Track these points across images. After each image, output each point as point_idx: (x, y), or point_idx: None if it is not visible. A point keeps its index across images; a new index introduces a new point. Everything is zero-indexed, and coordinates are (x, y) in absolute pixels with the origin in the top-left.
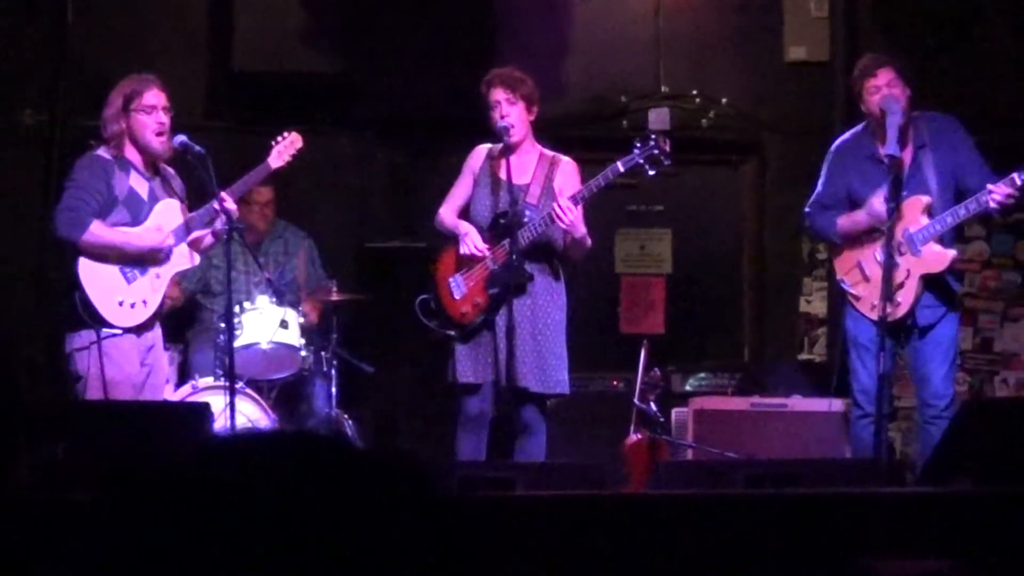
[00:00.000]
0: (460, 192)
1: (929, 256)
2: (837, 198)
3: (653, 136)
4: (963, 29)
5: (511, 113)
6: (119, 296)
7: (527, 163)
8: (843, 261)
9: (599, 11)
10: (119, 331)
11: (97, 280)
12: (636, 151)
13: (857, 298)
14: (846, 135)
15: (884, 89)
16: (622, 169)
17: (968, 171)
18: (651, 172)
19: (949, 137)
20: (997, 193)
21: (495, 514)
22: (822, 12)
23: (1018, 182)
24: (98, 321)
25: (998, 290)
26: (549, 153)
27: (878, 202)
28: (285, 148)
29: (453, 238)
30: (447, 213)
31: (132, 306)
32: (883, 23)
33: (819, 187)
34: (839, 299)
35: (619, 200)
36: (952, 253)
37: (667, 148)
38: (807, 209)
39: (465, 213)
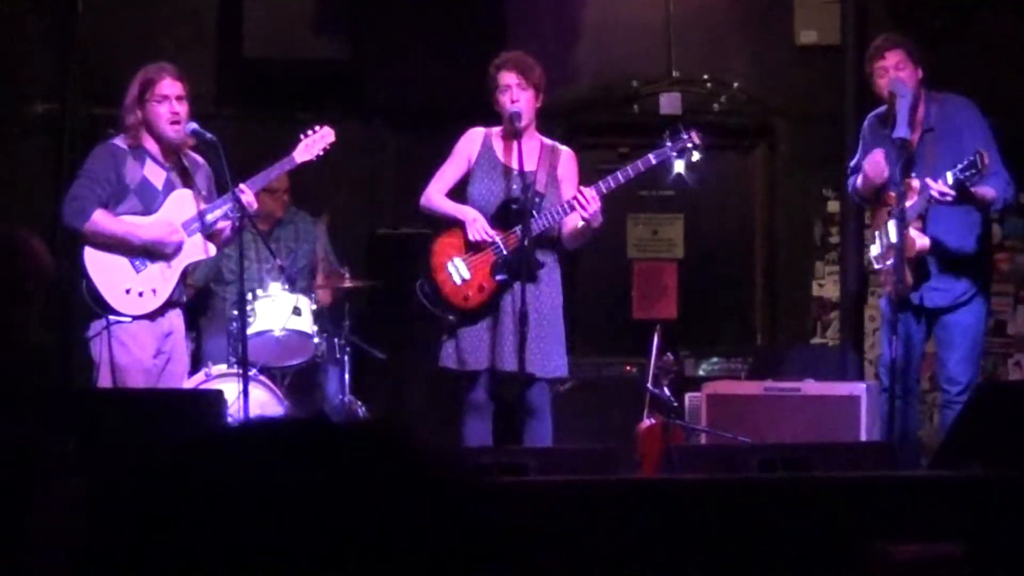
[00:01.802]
0: (451, 174)
1: (907, 239)
2: None
3: (685, 129)
4: (971, 13)
5: (521, 98)
6: (126, 284)
7: (532, 151)
8: (872, 229)
9: None
10: (127, 319)
11: (103, 268)
12: (668, 144)
13: (879, 270)
14: (876, 111)
15: (892, 71)
16: (654, 162)
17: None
18: (682, 163)
19: (958, 122)
20: (934, 189)
21: (508, 499)
22: None
23: (949, 180)
24: (105, 309)
25: (1011, 273)
26: (549, 142)
27: (869, 164)
28: (315, 142)
29: (450, 222)
30: (439, 195)
31: (140, 294)
32: (893, 7)
33: (858, 152)
34: (852, 283)
35: (630, 185)
36: (923, 242)
37: (698, 140)
38: (848, 167)
39: (456, 196)
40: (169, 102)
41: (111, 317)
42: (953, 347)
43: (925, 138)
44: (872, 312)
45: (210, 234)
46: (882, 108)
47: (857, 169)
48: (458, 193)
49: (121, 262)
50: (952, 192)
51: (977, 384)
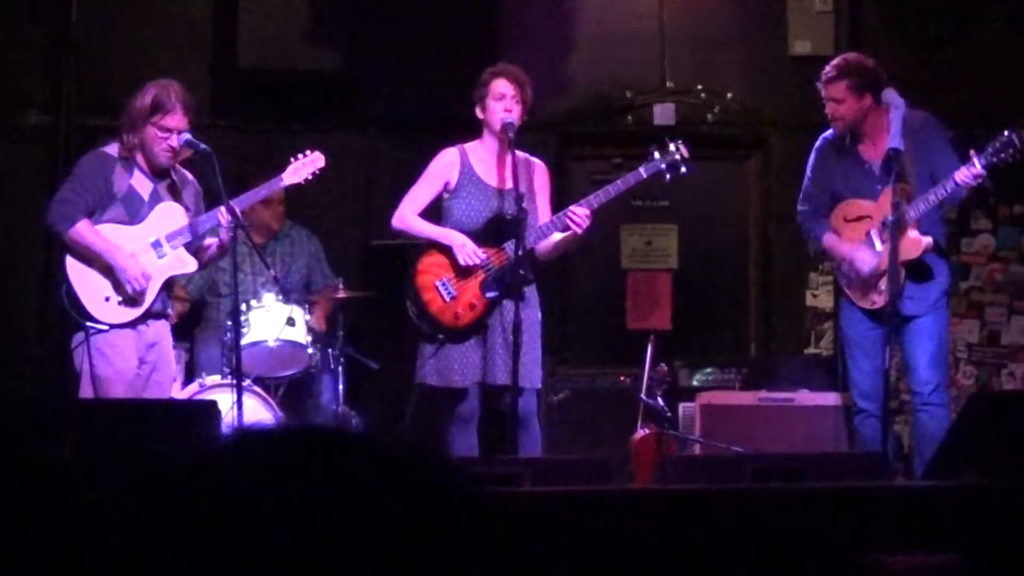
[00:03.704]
0: (425, 196)
1: (906, 242)
2: (822, 195)
3: (674, 142)
4: (966, 22)
5: (515, 110)
6: (105, 292)
7: (510, 165)
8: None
9: (603, 7)
10: (105, 327)
11: (83, 275)
12: (657, 158)
13: (849, 286)
14: (830, 132)
15: (829, 104)
16: (645, 176)
17: (943, 168)
18: (668, 177)
19: (926, 136)
20: (965, 175)
21: (502, 510)
22: (826, 6)
23: (977, 165)
24: (84, 316)
25: (1004, 283)
26: (522, 155)
27: (861, 260)
28: (304, 166)
29: (429, 242)
30: (416, 218)
31: (120, 303)
32: (886, 17)
33: (806, 182)
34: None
35: (624, 195)
36: (927, 240)
37: (687, 154)
38: (799, 208)
39: (430, 216)
40: (171, 136)
41: (90, 326)
42: (921, 347)
43: (891, 152)
44: None
45: (196, 249)
46: (831, 131)
47: (814, 207)
48: (431, 213)
49: (98, 270)
50: (983, 173)
51: (971, 393)
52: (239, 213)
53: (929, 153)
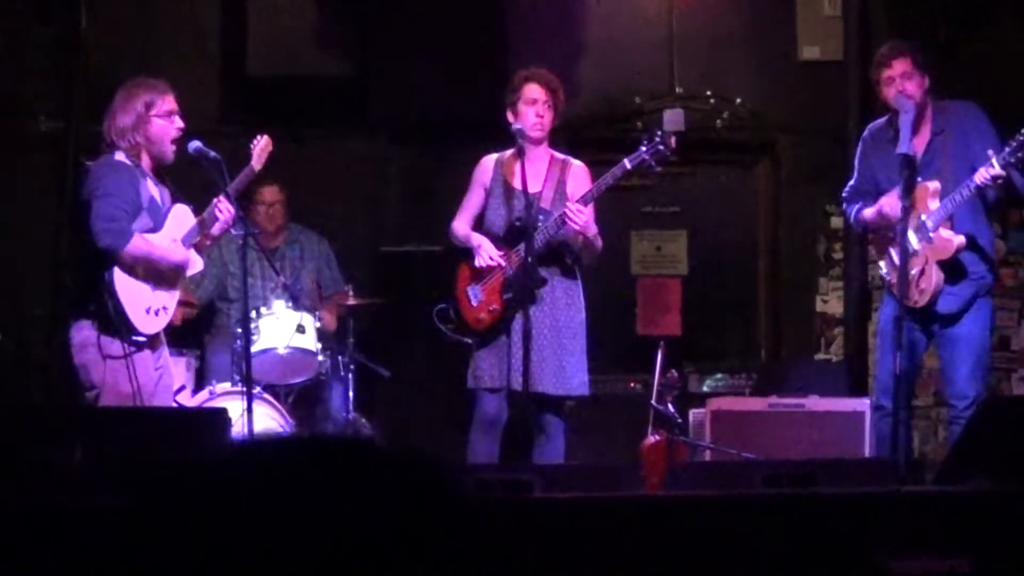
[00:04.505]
0: (471, 205)
1: (938, 242)
2: (866, 185)
3: (659, 133)
4: (976, 26)
5: (547, 116)
6: (147, 303)
7: (539, 168)
8: (878, 245)
9: (612, 12)
10: (143, 339)
11: (131, 289)
12: (643, 148)
13: (891, 283)
14: (877, 121)
15: (899, 80)
16: (629, 167)
17: (981, 159)
18: (657, 168)
19: (967, 125)
20: (981, 179)
21: (513, 516)
22: (835, 11)
23: (996, 166)
24: (130, 330)
25: (1015, 288)
26: (560, 156)
27: (887, 205)
28: (260, 152)
29: (469, 249)
30: (460, 225)
31: (156, 313)
32: (896, 21)
33: (854, 173)
34: (855, 299)
35: (634, 201)
36: (959, 239)
37: (672, 144)
38: (844, 193)
39: (479, 223)
40: (174, 118)
41: (135, 339)
42: (959, 362)
43: (934, 142)
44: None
45: (195, 246)
46: (879, 120)
47: (859, 194)
48: (482, 221)
49: (141, 282)
50: (1003, 174)
51: (981, 399)
52: (229, 213)
53: (969, 144)
